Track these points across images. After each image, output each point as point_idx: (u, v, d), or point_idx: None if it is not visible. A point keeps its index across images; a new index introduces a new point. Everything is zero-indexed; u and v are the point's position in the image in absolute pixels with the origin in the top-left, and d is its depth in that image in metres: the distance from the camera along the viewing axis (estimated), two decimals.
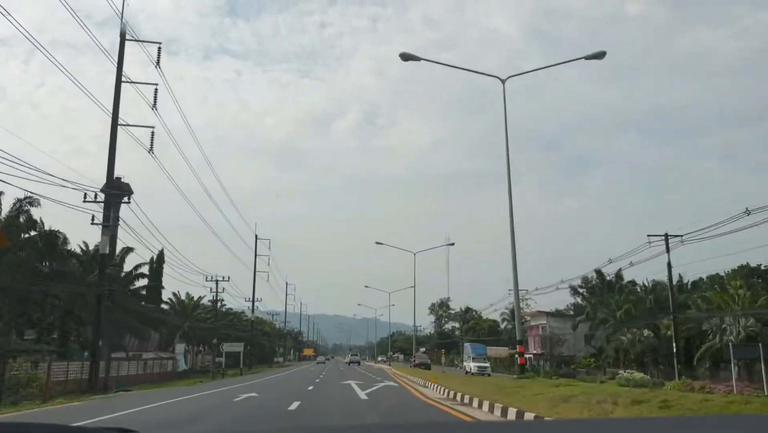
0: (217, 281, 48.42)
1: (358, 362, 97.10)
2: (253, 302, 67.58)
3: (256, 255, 68.74)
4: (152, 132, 27.21)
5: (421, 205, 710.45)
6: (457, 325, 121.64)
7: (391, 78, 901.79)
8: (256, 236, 69.35)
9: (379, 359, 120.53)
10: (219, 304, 77.44)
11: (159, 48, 28.67)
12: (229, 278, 49.16)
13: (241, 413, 14.74)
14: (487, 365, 50.56)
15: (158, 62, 28.03)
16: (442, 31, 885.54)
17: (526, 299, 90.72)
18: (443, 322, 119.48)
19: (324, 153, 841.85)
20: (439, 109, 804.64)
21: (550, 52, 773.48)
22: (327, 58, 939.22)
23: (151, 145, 26.74)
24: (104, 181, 27.64)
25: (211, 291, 48.68)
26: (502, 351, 77.39)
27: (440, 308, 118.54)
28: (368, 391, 22.58)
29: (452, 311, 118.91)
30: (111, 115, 25.96)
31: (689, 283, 55.97)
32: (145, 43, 28.57)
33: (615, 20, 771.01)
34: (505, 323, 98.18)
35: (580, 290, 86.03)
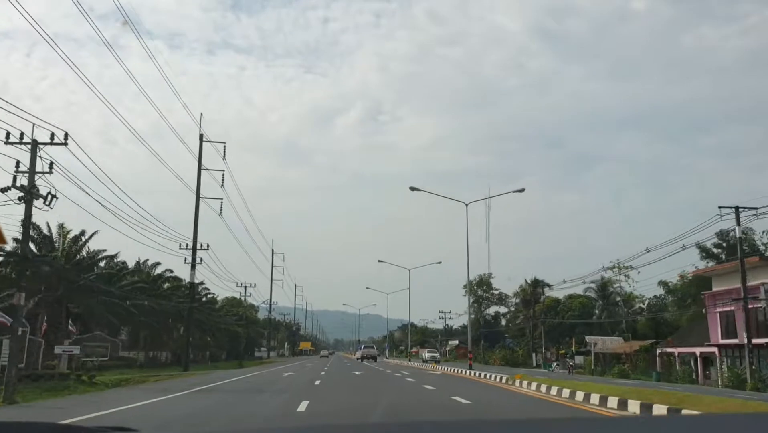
0: (51, 164, 18.26)
1: (375, 358, 67.77)
2: (194, 247, 37.74)
3: (200, 165, 38.89)
4: None
5: (425, 202, 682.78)
6: (501, 310, 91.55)
7: (395, 74, 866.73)
8: (201, 135, 39.48)
9: (428, 355, 69.29)
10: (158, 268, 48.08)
11: None
12: (61, 140, 18.87)
13: None
14: None
15: None
16: (447, 27, 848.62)
17: (625, 268, 62.56)
18: (484, 306, 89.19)
19: (327, 149, 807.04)
20: (441, 105, 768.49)
21: (555, 50, 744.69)
22: (330, 54, 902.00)
23: None
24: None
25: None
26: (612, 343, 47.77)
27: (479, 287, 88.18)
28: None
29: (495, 291, 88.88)
30: None
31: None
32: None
33: (619, 17, 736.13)
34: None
35: (715, 251, 57.70)
